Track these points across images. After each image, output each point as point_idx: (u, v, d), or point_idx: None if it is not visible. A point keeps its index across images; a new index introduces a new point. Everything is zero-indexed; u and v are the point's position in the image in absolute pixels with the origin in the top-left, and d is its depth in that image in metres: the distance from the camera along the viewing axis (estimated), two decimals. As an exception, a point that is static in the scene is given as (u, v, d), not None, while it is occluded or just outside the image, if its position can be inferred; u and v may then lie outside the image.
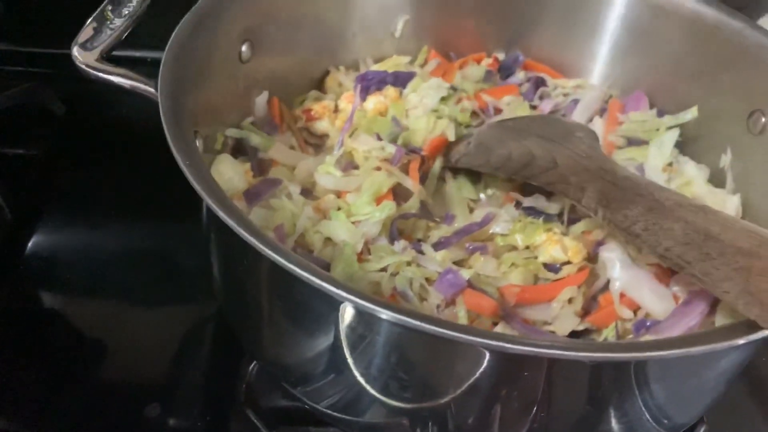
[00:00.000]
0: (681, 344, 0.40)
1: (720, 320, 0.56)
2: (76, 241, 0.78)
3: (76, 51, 0.56)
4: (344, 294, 0.41)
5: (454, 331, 0.39)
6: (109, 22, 0.58)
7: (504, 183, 0.69)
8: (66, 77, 0.89)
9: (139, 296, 0.72)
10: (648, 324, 0.58)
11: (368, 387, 0.50)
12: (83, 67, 0.55)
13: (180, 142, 0.48)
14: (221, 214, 0.43)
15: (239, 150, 0.68)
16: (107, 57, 0.57)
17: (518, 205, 0.67)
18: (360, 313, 0.45)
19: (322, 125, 0.73)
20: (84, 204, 0.81)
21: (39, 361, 0.66)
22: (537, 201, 0.66)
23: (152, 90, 0.54)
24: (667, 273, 0.61)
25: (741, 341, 0.41)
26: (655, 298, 0.59)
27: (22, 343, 0.68)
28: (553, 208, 0.66)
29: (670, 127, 0.72)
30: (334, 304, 0.45)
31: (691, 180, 0.70)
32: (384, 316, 0.41)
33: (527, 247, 0.63)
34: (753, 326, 0.43)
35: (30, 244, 0.76)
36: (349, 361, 0.48)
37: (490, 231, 0.64)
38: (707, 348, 0.39)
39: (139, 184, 0.82)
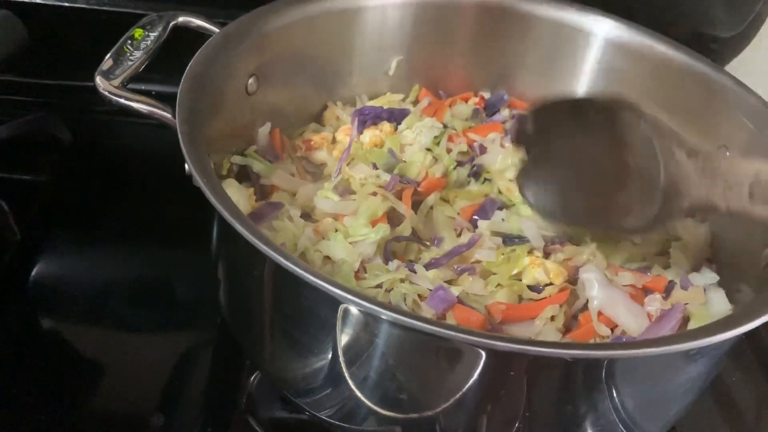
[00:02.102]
0: (649, 344, 0.44)
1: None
2: (80, 265, 0.80)
3: (98, 79, 0.60)
4: (346, 295, 0.45)
5: (450, 330, 0.43)
6: (129, 55, 0.63)
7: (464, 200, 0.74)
8: (73, 107, 0.96)
9: (141, 319, 0.75)
10: (624, 340, 0.62)
11: (365, 390, 0.54)
12: (106, 93, 0.60)
13: (197, 163, 0.52)
14: (238, 226, 0.47)
15: (243, 176, 0.73)
16: (126, 87, 0.62)
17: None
18: (360, 314, 0.49)
19: (320, 155, 0.78)
20: (88, 229, 0.84)
21: (43, 379, 0.68)
22: (505, 225, 0.71)
23: (169, 116, 0.59)
24: (641, 293, 0.66)
25: (703, 342, 0.45)
26: (630, 316, 0.63)
27: (26, 360, 0.70)
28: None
29: (644, 162, 0.78)
30: (335, 306, 0.49)
31: (664, 210, 0.75)
32: (384, 317, 0.45)
33: (512, 270, 0.68)
34: (715, 329, 0.47)
35: (36, 267, 0.79)
36: (346, 363, 0.52)
37: (476, 256, 0.68)
38: (673, 348, 0.44)
39: (141, 211, 0.86)
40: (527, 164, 0.67)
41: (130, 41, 0.65)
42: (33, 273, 0.78)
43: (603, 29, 0.80)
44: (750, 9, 0.93)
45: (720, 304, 0.64)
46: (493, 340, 0.43)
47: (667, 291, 0.66)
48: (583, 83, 0.83)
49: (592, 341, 0.63)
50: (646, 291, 0.66)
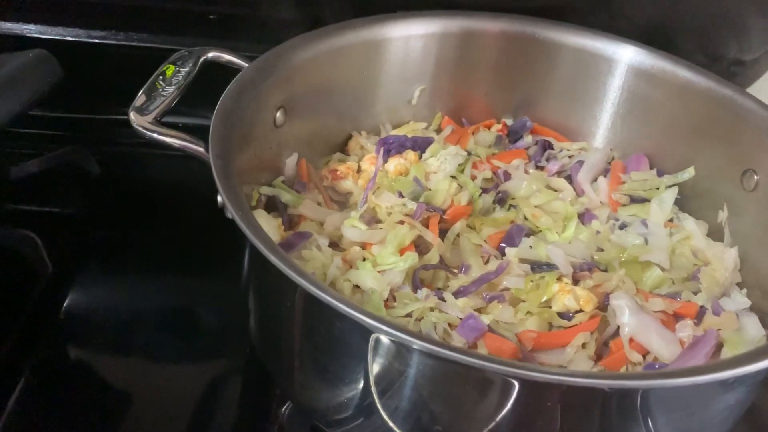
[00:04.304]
0: (689, 373, 0.44)
1: (725, 362, 0.59)
2: (110, 296, 0.81)
3: (132, 115, 0.62)
4: (378, 324, 0.45)
5: (483, 360, 0.43)
6: (161, 90, 0.64)
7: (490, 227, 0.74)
8: (101, 141, 0.98)
9: (170, 349, 0.75)
10: (656, 367, 0.62)
11: (397, 420, 0.53)
12: (140, 129, 0.61)
13: (231, 196, 0.53)
14: (272, 257, 0.48)
15: (270, 206, 0.74)
16: (159, 121, 0.63)
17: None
18: (391, 344, 0.49)
19: (346, 184, 0.79)
20: (117, 259, 0.85)
21: (73, 409, 0.68)
22: (533, 253, 0.70)
23: (202, 150, 0.60)
24: (672, 319, 0.66)
25: (744, 370, 0.45)
26: (662, 343, 0.63)
27: (58, 390, 0.70)
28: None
29: (670, 186, 0.78)
30: (367, 335, 0.49)
31: (691, 234, 0.75)
32: (416, 347, 0.45)
33: (542, 296, 0.68)
34: (754, 357, 0.47)
35: (67, 298, 0.79)
36: (378, 392, 0.52)
37: (504, 284, 0.68)
38: (714, 376, 0.43)
39: (168, 241, 0.87)
40: None
41: (161, 77, 0.67)
42: (65, 304, 0.79)
43: (625, 55, 0.80)
44: (770, 31, 0.93)
45: (754, 330, 0.64)
46: (529, 371, 0.43)
47: (699, 317, 0.66)
48: (606, 109, 0.83)
49: (624, 368, 0.62)
50: (677, 317, 0.66)
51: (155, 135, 0.61)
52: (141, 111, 0.62)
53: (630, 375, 0.50)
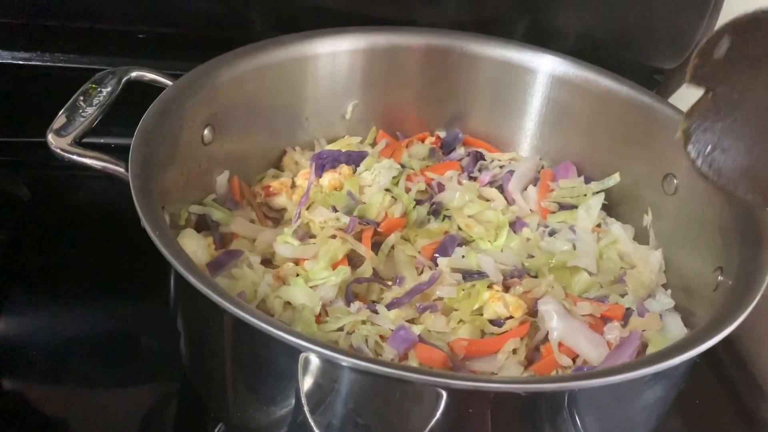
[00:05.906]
0: (603, 374, 0.45)
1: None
2: (41, 324, 0.79)
3: (50, 137, 0.60)
4: (305, 343, 0.45)
5: (404, 371, 0.44)
6: (81, 111, 0.63)
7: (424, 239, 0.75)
8: (30, 164, 0.95)
9: (105, 375, 0.74)
10: (585, 369, 0.63)
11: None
12: (58, 151, 0.60)
13: (150, 216, 0.52)
14: (190, 278, 0.48)
15: (202, 225, 0.73)
16: (79, 143, 0.62)
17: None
18: (320, 361, 0.49)
19: (280, 200, 0.78)
20: (49, 286, 0.83)
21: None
22: (464, 262, 0.71)
23: (122, 170, 0.59)
24: (600, 322, 0.67)
25: (656, 368, 0.46)
26: (590, 346, 0.64)
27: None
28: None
29: (596, 192, 0.80)
30: (295, 355, 0.49)
31: (618, 239, 0.77)
32: (344, 363, 0.45)
33: (473, 305, 0.68)
34: (665, 356, 0.48)
35: (-5, 327, 0.78)
36: (310, 410, 0.52)
37: (437, 293, 0.69)
38: (625, 376, 0.45)
39: (101, 266, 0.85)
40: (706, 108, 0.50)
41: (82, 97, 0.66)
42: (-9, 334, 0.76)
43: (547, 66, 0.82)
44: (690, 39, 0.97)
45: (676, 329, 0.66)
46: (449, 379, 0.44)
47: (625, 318, 0.67)
48: (533, 119, 0.85)
49: (554, 372, 0.64)
50: (605, 319, 0.67)
51: (74, 157, 0.60)
52: (59, 133, 0.61)
53: (545, 378, 0.52)
